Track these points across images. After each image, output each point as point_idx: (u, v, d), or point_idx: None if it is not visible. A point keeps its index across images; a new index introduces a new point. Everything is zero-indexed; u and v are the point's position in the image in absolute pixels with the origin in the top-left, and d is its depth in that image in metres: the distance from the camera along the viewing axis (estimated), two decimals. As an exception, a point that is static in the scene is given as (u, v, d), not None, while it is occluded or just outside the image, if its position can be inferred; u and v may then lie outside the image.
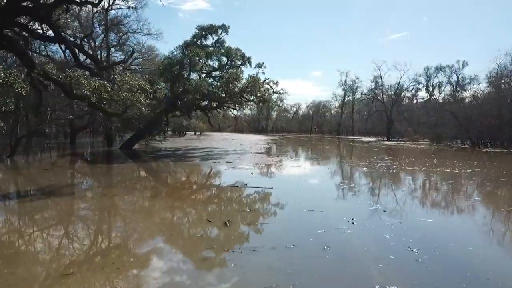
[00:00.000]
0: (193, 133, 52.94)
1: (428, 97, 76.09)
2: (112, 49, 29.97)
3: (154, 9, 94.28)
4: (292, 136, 70.82)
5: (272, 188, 9.36)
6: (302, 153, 25.88)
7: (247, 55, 24.89)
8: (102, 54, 28.06)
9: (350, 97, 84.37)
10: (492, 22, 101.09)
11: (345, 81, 78.67)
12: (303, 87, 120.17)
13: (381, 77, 60.72)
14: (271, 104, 29.24)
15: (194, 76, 24.75)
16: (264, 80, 26.25)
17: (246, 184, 9.93)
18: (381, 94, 59.90)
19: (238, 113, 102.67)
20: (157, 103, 24.97)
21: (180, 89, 23.54)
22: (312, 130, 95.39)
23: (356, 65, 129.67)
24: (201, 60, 24.72)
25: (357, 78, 78.79)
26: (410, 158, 21.58)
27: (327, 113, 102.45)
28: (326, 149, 30.80)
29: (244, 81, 23.65)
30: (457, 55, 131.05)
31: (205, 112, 27.00)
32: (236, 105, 27.77)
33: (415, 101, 75.06)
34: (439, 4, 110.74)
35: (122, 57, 30.40)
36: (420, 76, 69.18)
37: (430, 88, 74.57)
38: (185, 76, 23.05)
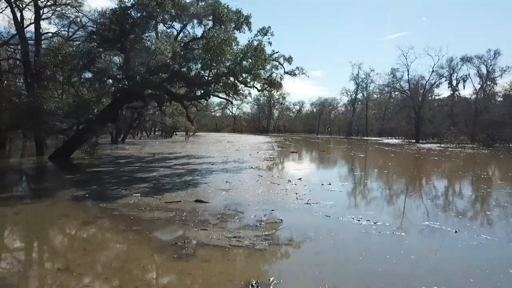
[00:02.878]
0: (185, 133, 43.23)
1: (452, 92, 67.26)
2: (49, 20, 20.98)
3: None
4: (298, 137, 61.82)
5: None
6: (336, 169, 16.83)
7: (244, 13, 15.81)
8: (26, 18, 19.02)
9: (360, 94, 75.42)
10: (492, 22, 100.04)
11: (358, 74, 69.62)
12: (303, 87, 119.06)
13: (407, 66, 51.23)
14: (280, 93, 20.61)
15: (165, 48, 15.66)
16: (272, 54, 17.34)
17: None
18: (407, 86, 50.57)
19: (237, 112, 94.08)
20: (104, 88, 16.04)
21: (141, 67, 14.52)
22: (325, 130, 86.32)
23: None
24: (175, 21, 15.81)
25: (372, 71, 69.77)
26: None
27: (333, 111, 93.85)
28: (363, 159, 21.83)
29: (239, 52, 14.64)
30: (457, 54, 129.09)
31: (181, 102, 17.97)
32: (230, 93, 18.95)
33: (429, 97, 66.02)
34: (438, 4, 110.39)
35: (66, 30, 21.43)
36: (443, 68, 60.18)
37: (454, 82, 65.74)
38: (141, 39, 14.03)
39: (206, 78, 14.46)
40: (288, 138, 53.60)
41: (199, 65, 14.11)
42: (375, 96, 68.83)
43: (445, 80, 64.27)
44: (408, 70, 50.58)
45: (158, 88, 15.82)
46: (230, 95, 19.35)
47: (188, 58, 12.97)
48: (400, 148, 31.07)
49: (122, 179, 10.38)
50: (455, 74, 63.89)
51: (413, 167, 16.63)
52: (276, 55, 17.47)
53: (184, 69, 14.27)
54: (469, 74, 61.03)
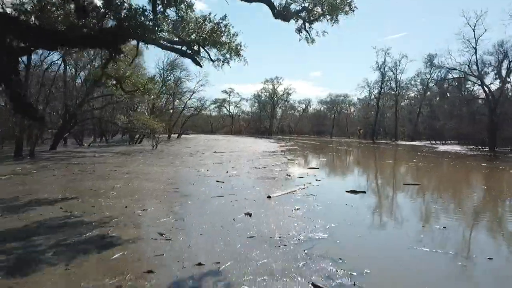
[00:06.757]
0: (153, 138, 28.61)
1: (501, 84, 53.71)
2: None
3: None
4: (313, 141, 48.59)
5: None
6: None
7: None
8: None
9: (383, 88, 62.01)
10: (491, 22, 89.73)
11: (384, 62, 56.17)
12: (303, 87, 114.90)
13: (475, 41, 35.74)
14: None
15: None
16: None
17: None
18: (477, 73, 36.89)
19: (235, 110, 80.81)
20: None
21: None
22: (339, 131, 73.07)
23: (355, 65, 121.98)
24: None
25: (404, 57, 56.05)
26: None
27: (344, 110, 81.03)
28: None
29: None
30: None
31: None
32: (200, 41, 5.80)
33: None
34: (438, 5, 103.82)
35: None
36: (491, 54, 46.24)
37: (504, 72, 52.03)
38: None
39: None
40: (301, 143, 40.49)
41: None
42: (409, 90, 55.60)
43: (492, 70, 50.90)
44: (475, 48, 35.77)
45: None
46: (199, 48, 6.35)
47: None
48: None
49: None
50: (506, 62, 50.25)
51: None
52: None
53: None
54: (509, 65, 47.20)
